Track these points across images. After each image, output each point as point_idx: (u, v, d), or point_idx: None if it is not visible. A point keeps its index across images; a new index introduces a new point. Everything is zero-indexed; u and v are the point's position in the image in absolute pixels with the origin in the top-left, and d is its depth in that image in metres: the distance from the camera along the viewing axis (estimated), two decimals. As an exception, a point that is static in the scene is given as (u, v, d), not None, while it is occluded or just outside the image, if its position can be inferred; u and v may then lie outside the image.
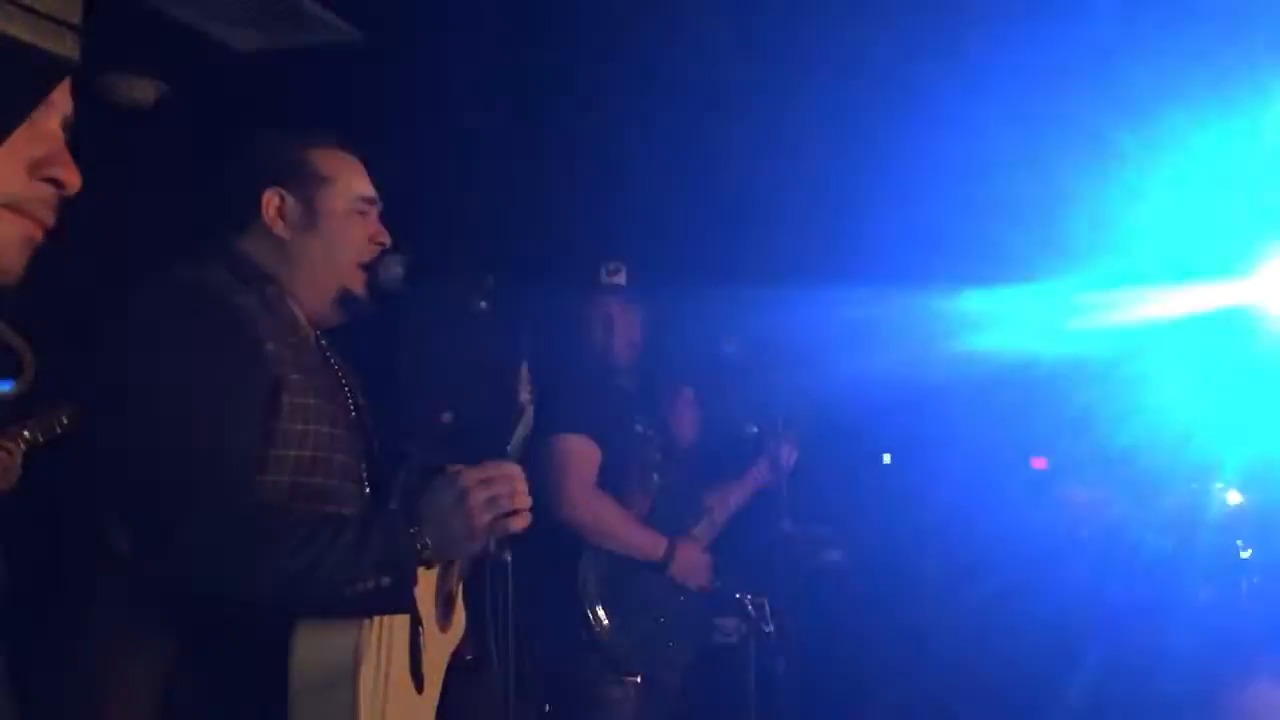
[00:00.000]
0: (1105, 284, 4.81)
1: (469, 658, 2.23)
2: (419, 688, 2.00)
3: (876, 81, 3.86)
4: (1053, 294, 4.97)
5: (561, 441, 3.45)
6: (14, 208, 1.06)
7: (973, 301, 4.97)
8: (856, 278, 4.82)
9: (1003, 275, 4.94)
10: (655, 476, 3.72)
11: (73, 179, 1.09)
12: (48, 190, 1.08)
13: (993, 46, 3.59)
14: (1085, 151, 4.21)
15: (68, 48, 0.88)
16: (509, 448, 2.17)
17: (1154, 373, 4.81)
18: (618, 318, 3.71)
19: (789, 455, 4.08)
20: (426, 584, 2.01)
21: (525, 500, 1.92)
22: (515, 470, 1.93)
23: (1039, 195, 4.38)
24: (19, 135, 1.03)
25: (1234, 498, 5.00)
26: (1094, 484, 5.08)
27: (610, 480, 3.54)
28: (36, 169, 1.07)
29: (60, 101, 1.11)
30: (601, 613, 3.49)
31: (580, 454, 3.48)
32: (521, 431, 2.31)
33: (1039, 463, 5.40)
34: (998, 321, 5.00)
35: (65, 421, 2.05)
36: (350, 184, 2.08)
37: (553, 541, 3.37)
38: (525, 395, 2.35)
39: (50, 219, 1.10)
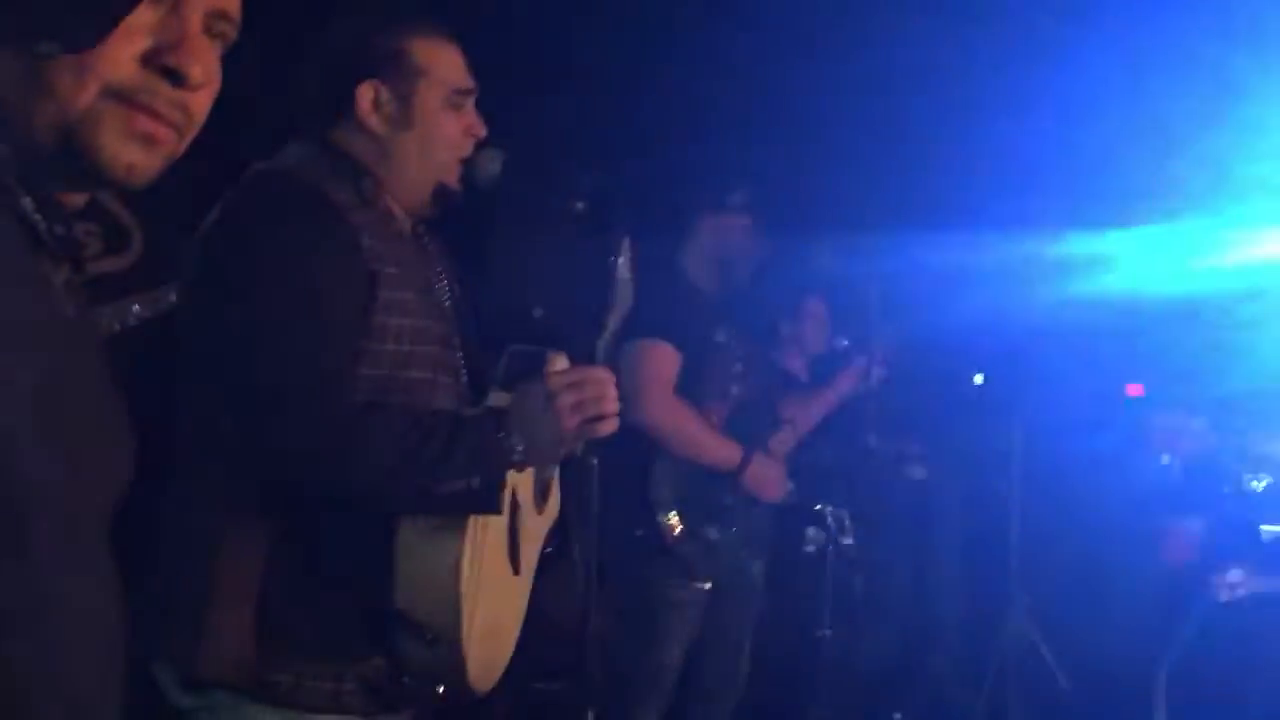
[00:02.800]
0: (1221, 224, 4.67)
1: (549, 550, 2.26)
2: (515, 569, 2.03)
3: (976, 18, 3.74)
4: (1165, 235, 4.84)
5: (643, 347, 3.44)
6: (121, 98, 0.98)
7: (1082, 244, 4.86)
8: (964, 220, 4.74)
9: (1113, 216, 4.82)
10: (734, 387, 3.71)
11: (192, 69, 1.00)
12: (160, 82, 1.00)
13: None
14: (1199, 85, 4.05)
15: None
16: (599, 343, 2.15)
17: (1267, 315, 4.67)
18: (742, 236, 3.70)
19: (877, 372, 4.05)
20: (525, 472, 2.01)
21: (614, 405, 1.92)
22: (604, 374, 1.93)
23: (1151, 134, 4.23)
24: (138, 22, 0.98)
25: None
26: (1190, 414, 4.97)
27: (687, 388, 3.53)
28: (150, 58, 0.99)
29: None
30: (673, 518, 3.51)
31: (661, 359, 3.47)
32: (620, 310, 2.27)
33: (1135, 389, 5.29)
34: (1105, 264, 4.89)
35: (173, 299, 2.09)
36: (447, 76, 2.00)
37: (628, 445, 3.40)
38: (626, 273, 2.31)
39: (177, 116, 1.02)
